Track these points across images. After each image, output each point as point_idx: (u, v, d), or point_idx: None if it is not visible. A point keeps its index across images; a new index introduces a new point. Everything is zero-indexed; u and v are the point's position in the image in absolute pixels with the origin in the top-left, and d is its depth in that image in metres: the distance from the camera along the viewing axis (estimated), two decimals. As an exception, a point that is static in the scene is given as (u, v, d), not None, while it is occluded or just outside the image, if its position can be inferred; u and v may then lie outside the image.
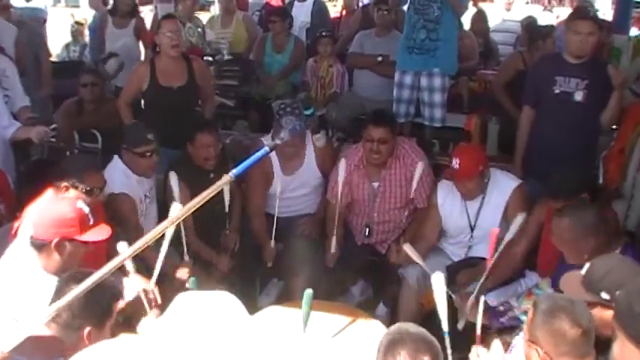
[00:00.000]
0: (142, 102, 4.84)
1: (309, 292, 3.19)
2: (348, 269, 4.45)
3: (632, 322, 1.92)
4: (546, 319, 2.21)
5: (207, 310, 1.98)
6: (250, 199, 4.36)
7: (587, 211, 3.07)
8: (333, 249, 4.10)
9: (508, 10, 8.95)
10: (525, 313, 2.65)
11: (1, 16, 5.90)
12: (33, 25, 6.65)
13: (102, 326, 2.32)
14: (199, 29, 6.73)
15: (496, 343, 2.62)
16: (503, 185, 3.85)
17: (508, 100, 5.33)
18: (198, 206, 1.70)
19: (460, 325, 3.32)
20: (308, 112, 4.25)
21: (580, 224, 2.99)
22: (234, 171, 1.74)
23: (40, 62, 6.15)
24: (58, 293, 2.29)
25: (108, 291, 2.32)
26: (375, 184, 4.21)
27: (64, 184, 3.25)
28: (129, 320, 3.16)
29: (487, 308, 3.35)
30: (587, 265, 2.48)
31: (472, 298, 3.34)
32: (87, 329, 2.26)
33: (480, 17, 7.78)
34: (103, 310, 2.31)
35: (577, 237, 2.97)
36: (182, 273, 3.68)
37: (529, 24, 6.81)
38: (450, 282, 3.79)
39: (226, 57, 6.74)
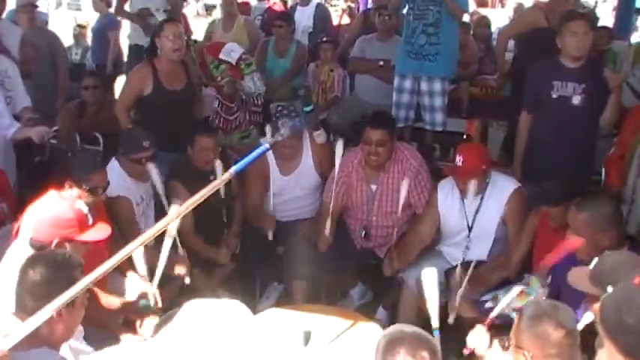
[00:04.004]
0: (140, 106, 4.79)
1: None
2: (348, 273, 4.46)
3: (624, 336, 1.81)
4: (531, 323, 2.26)
5: (216, 318, 1.98)
6: (247, 199, 4.39)
7: (605, 204, 3.03)
8: (327, 231, 4.04)
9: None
10: (516, 310, 2.67)
11: (28, 23, 5.93)
12: (52, 33, 6.62)
13: (72, 303, 2.18)
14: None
15: (495, 345, 2.63)
16: (502, 188, 3.86)
17: (503, 53, 5.24)
18: (197, 204, 1.70)
19: (450, 319, 3.32)
20: (307, 109, 4.26)
21: (598, 217, 2.95)
22: (235, 168, 1.75)
23: (57, 72, 6.14)
24: (20, 280, 2.25)
25: (68, 266, 2.24)
26: (373, 187, 4.22)
27: (68, 181, 3.26)
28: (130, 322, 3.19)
29: (476, 302, 3.36)
30: (595, 260, 2.49)
31: (461, 291, 3.34)
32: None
33: (483, 23, 7.80)
34: (67, 286, 2.25)
35: (595, 230, 2.92)
36: (180, 269, 3.63)
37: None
38: (448, 286, 3.82)
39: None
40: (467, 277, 3.35)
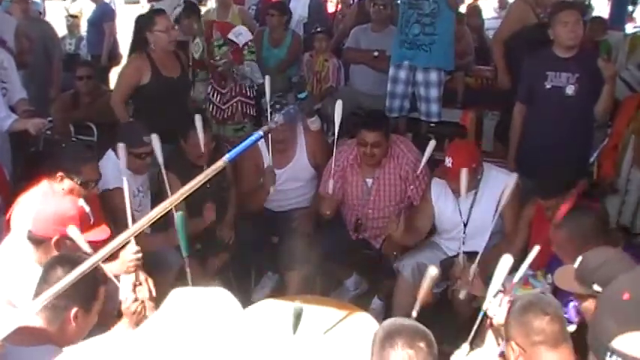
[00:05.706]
0: (137, 96, 4.77)
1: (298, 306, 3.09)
2: (343, 263, 4.46)
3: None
4: (517, 314, 2.29)
5: (202, 307, 1.98)
6: (242, 185, 4.41)
7: (584, 220, 3.03)
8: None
9: (501, 7, 8.95)
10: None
11: (21, 14, 5.92)
12: (46, 24, 6.59)
13: (89, 309, 2.31)
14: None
15: (490, 336, 2.63)
16: (496, 180, 3.82)
17: (502, 60, 5.19)
18: (191, 191, 1.70)
19: (462, 296, 3.32)
20: (302, 96, 4.23)
21: (578, 234, 2.95)
22: (228, 155, 1.74)
23: (51, 62, 6.13)
24: (45, 277, 2.30)
25: (93, 271, 2.22)
26: (369, 181, 4.22)
27: (60, 173, 3.24)
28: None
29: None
30: (580, 258, 2.48)
31: (474, 267, 3.27)
32: (73, 310, 2.25)
33: (475, 12, 7.78)
34: (88, 290, 2.28)
35: (577, 246, 2.87)
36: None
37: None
38: (444, 277, 3.81)
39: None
40: (476, 261, 3.28)
